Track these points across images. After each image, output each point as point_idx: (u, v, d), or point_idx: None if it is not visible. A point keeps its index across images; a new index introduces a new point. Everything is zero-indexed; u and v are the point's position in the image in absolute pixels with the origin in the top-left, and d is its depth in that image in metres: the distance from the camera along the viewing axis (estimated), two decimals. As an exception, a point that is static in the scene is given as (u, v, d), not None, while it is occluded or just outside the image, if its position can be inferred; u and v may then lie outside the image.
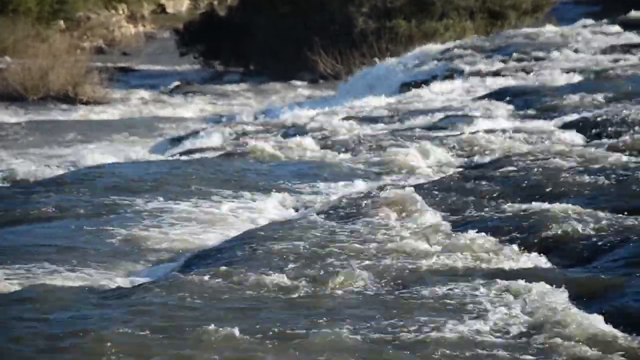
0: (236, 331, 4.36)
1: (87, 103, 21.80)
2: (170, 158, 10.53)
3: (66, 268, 5.94)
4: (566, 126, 11.00)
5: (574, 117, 11.52)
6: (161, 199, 7.79)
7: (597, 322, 4.55)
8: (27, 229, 6.92)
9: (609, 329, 4.47)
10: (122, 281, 5.80)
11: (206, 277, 5.25)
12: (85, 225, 6.96)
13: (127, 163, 9.85)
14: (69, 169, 9.68)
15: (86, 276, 5.83)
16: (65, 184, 8.41)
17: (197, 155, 10.30)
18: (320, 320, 4.60)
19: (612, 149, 9.30)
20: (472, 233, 6.25)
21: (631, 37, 19.55)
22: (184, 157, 10.26)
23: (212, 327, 4.40)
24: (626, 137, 9.84)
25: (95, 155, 11.34)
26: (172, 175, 8.77)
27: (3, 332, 4.38)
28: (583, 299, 5.08)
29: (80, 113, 20.81)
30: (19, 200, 7.70)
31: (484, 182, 7.93)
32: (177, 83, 26.53)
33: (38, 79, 21.96)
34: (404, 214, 6.81)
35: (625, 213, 6.65)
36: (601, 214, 6.64)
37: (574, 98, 12.86)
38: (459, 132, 10.81)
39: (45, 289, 5.09)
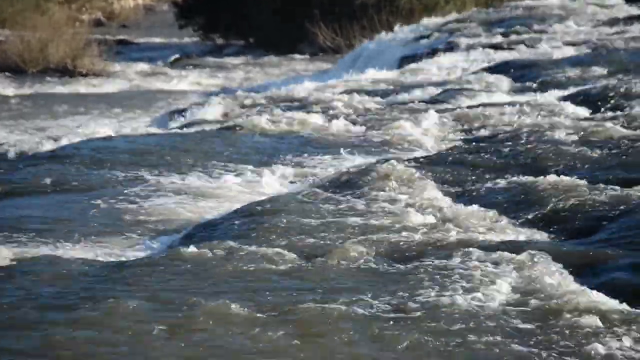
0: (234, 305, 4.36)
1: (86, 76, 21.74)
2: (170, 131, 10.51)
3: (64, 241, 5.93)
4: (567, 99, 10.97)
5: (575, 89, 11.49)
6: (161, 172, 7.78)
7: (593, 295, 4.55)
8: (24, 201, 6.91)
9: (605, 301, 4.48)
10: (120, 254, 5.80)
11: (205, 251, 5.25)
12: (84, 198, 6.95)
13: (126, 136, 9.83)
14: (68, 142, 9.66)
15: (84, 250, 5.83)
16: (64, 156, 8.40)
17: (196, 129, 10.28)
18: (318, 294, 4.61)
19: (614, 121, 9.28)
20: (471, 206, 6.25)
21: (632, 10, 19.47)
22: (183, 130, 10.24)
23: (209, 300, 4.40)
24: (628, 110, 9.83)
25: (94, 128, 11.33)
26: (172, 148, 8.75)
27: (4, 305, 4.38)
28: (581, 271, 5.09)
29: (79, 86, 20.76)
30: (15, 173, 7.69)
31: (483, 156, 7.92)
32: (176, 56, 26.45)
33: (37, 51, 21.90)
34: (403, 188, 6.80)
35: (626, 186, 6.65)
36: (601, 186, 6.64)
37: (576, 71, 12.83)
38: (459, 106, 10.78)
39: (42, 262, 5.09)
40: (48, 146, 9.42)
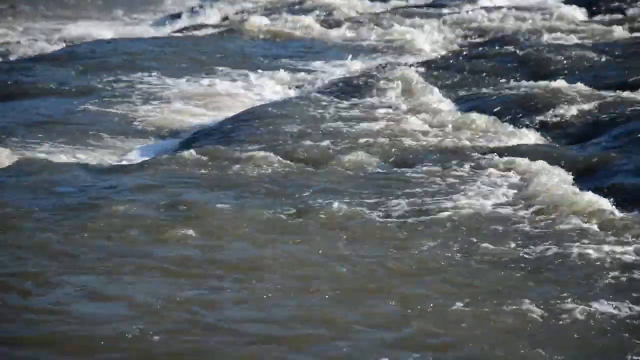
0: (237, 207, 4.39)
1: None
2: (169, 35, 10.46)
3: (65, 144, 5.95)
4: (568, 1, 10.89)
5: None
6: (160, 76, 7.76)
7: (593, 198, 4.59)
8: (24, 104, 6.90)
9: (603, 203, 4.53)
10: (121, 158, 5.82)
11: (205, 155, 5.26)
12: (84, 102, 6.94)
13: (126, 39, 9.78)
14: (68, 45, 9.62)
15: (85, 153, 5.85)
16: (63, 59, 8.37)
17: (195, 32, 10.23)
18: (317, 196, 4.64)
19: (615, 23, 9.23)
20: (473, 111, 6.25)
21: None
22: (182, 34, 10.19)
23: (206, 202, 4.44)
24: (629, 12, 9.76)
25: (94, 31, 11.26)
26: (171, 52, 8.72)
27: (3, 206, 4.42)
28: (581, 175, 5.12)
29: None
30: (15, 76, 7.67)
31: (485, 61, 7.90)
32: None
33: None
34: (404, 93, 6.80)
35: (626, 90, 6.64)
36: (602, 90, 6.64)
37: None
38: (459, 10, 10.71)
39: (44, 164, 5.11)
40: (48, 49, 9.38)
